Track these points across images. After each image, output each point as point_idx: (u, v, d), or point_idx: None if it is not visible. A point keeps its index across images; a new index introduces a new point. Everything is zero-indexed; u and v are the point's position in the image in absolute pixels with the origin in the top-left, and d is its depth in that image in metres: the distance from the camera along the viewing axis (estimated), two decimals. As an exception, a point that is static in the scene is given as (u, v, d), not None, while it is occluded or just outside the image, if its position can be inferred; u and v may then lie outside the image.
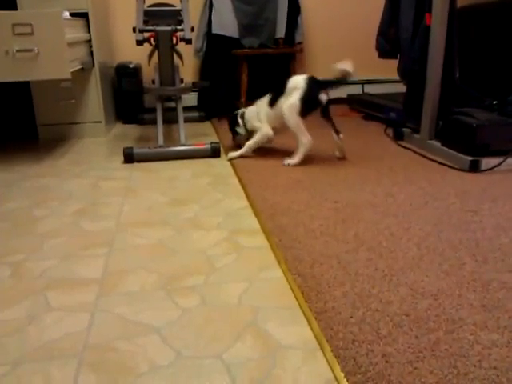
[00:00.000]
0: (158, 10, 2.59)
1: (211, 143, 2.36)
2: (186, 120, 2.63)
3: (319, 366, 0.91)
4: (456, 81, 2.42)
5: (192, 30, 2.49)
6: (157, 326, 1.04)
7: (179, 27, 2.48)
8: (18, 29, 2.15)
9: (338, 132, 2.24)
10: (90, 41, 2.77)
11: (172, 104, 2.98)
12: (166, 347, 0.97)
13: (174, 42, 2.54)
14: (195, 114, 3.25)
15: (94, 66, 2.79)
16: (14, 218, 1.68)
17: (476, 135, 2.06)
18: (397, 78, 2.78)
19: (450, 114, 2.23)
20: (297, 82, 2.16)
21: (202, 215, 1.66)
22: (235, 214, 1.66)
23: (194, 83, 2.83)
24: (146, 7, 2.58)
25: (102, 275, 1.27)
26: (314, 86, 2.14)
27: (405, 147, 2.41)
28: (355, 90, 3.64)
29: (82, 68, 2.60)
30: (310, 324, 1.03)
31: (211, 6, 3.15)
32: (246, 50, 3.09)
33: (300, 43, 3.37)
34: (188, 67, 3.33)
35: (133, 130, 3.08)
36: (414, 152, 2.32)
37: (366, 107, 3.20)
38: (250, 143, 2.31)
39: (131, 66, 3.20)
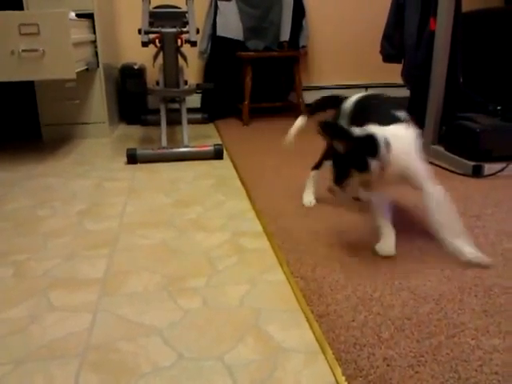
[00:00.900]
0: (163, 11, 2.60)
1: (214, 145, 2.37)
2: (189, 121, 2.64)
3: (320, 369, 0.91)
4: (460, 86, 2.42)
5: (197, 32, 2.50)
6: (159, 327, 1.04)
7: (184, 29, 2.49)
8: (24, 29, 2.16)
9: None
10: (95, 41, 2.78)
11: (175, 105, 2.99)
12: (167, 348, 0.97)
13: (179, 43, 2.55)
14: (198, 116, 3.26)
15: (98, 66, 2.80)
16: (18, 218, 1.68)
17: (479, 140, 2.06)
18: (400, 82, 2.79)
19: (453, 119, 2.23)
20: None
21: (205, 217, 1.66)
22: (238, 216, 1.66)
23: (198, 85, 2.84)
24: (151, 9, 2.59)
25: (105, 275, 1.27)
26: None
27: (408, 151, 2.41)
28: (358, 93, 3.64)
29: (87, 69, 2.61)
30: (311, 327, 1.03)
31: (216, 8, 3.16)
32: (250, 53, 3.10)
33: (304, 46, 3.38)
34: (192, 69, 3.34)
35: (136, 130, 3.08)
36: (417, 156, 2.32)
37: (370, 111, 3.19)
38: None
39: (135, 67, 3.21)
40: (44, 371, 0.92)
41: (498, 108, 2.23)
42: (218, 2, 3.15)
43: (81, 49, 2.47)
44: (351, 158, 1.19)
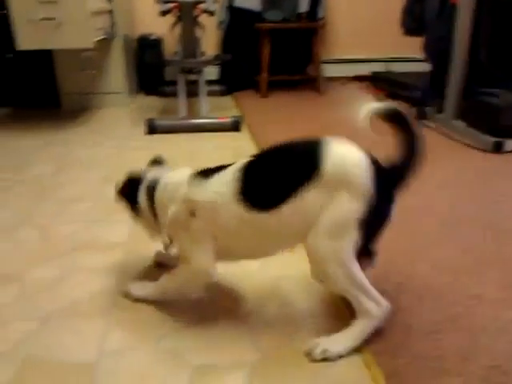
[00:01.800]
0: (182, -20, 2.57)
1: (233, 117, 2.37)
2: (208, 93, 2.63)
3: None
4: (482, 60, 2.38)
5: (215, 1, 2.46)
6: (181, 290, 1.07)
7: (202, -2, 2.46)
8: (42, -4, 2.16)
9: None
10: (111, 11, 2.77)
11: (193, 77, 2.98)
12: (188, 309, 1.00)
13: (197, 13, 2.52)
14: (216, 88, 3.24)
15: (115, 36, 2.79)
16: (40, 184, 1.71)
17: (500, 116, 2.03)
18: (422, 56, 2.75)
19: (474, 95, 2.20)
20: (345, 169, 0.86)
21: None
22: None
23: (216, 56, 2.82)
24: (169, -23, 2.56)
25: (127, 240, 1.30)
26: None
27: (428, 126, 2.39)
28: (379, 67, 3.60)
29: (104, 38, 2.60)
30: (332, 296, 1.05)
31: (235, -22, 3.12)
32: (267, 24, 3.06)
33: (322, 18, 3.33)
34: (211, 40, 3.31)
35: (154, 101, 3.08)
36: (437, 132, 2.30)
37: (390, 85, 3.16)
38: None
39: (152, 37, 3.20)
40: (71, 327, 0.95)
41: (521, 84, 2.19)
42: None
43: (98, 18, 2.46)
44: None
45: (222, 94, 3.25)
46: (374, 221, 0.85)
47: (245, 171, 0.91)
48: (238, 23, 3.20)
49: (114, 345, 0.90)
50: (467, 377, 0.81)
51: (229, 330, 0.94)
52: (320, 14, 3.32)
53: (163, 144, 2.16)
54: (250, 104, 2.94)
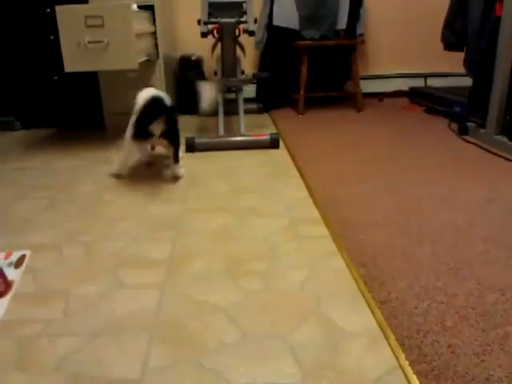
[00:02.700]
0: (221, 2, 2.63)
1: (270, 134, 2.39)
2: (245, 111, 2.67)
3: (383, 353, 0.92)
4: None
5: (255, 21, 2.51)
6: (223, 307, 1.08)
7: (242, 19, 2.51)
8: (89, 21, 2.25)
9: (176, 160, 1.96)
10: (155, 33, 2.85)
11: (231, 95, 3.03)
12: (232, 326, 1.01)
13: (237, 33, 2.58)
14: (253, 106, 3.28)
15: (158, 57, 2.88)
16: (85, 201, 1.77)
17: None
18: (461, 71, 2.71)
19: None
20: (139, 99, 1.89)
21: (263, 204, 1.68)
22: (295, 203, 1.68)
23: (254, 74, 2.86)
24: (210, -1, 2.63)
25: (170, 256, 1.32)
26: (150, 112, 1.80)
27: (470, 142, 2.34)
28: (417, 82, 3.56)
29: (148, 59, 2.69)
30: (373, 313, 1.04)
31: (273, -3, 3.17)
32: (306, 42, 3.09)
33: (361, 35, 3.33)
34: (248, 58, 3.36)
35: (193, 120, 3.15)
36: (480, 147, 2.25)
37: (429, 100, 3.12)
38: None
39: (193, 57, 3.27)
40: (115, 344, 0.97)
41: None
42: (275, -8, 3.15)
43: (142, 40, 2.55)
44: None
45: (259, 111, 3.28)
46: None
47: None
48: (275, 41, 3.24)
49: (157, 362, 0.92)
50: (517, 401, 0.78)
51: (271, 348, 0.94)
52: (359, 31, 3.32)
53: (202, 162, 2.20)
54: (287, 121, 2.96)
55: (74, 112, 3.05)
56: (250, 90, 3.41)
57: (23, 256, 1.35)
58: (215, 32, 2.61)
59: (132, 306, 1.10)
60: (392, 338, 0.94)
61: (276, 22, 3.17)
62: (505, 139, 2.18)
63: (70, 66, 2.30)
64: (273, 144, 2.38)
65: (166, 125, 1.82)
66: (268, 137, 2.38)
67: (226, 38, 2.53)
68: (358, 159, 2.12)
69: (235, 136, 2.43)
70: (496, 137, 2.23)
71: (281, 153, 2.31)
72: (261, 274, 1.22)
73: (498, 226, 1.42)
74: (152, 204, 1.72)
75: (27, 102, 3.03)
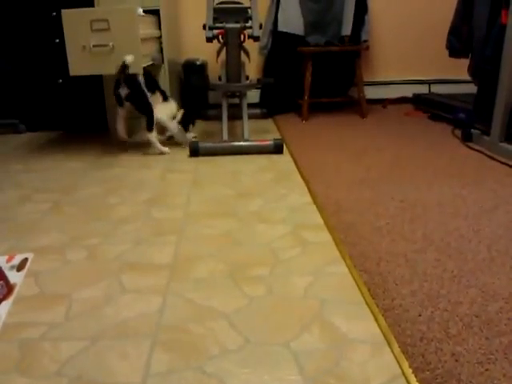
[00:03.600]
0: (226, 7, 2.64)
1: (274, 139, 2.39)
2: (249, 116, 2.67)
3: (386, 360, 0.91)
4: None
5: (260, 27, 2.52)
6: (226, 312, 1.08)
7: (247, 24, 2.52)
8: (95, 25, 2.26)
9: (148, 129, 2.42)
10: (160, 37, 2.86)
11: (235, 100, 3.03)
12: (234, 332, 1.00)
13: (242, 39, 2.58)
14: (257, 111, 3.29)
15: (163, 62, 2.88)
16: (88, 205, 1.77)
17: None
18: (465, 78, 2.71)
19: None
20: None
21: (267, 209, 1.68)
22: (299, 209, 1.68)
23: (258, 80, 2.87)
24: (215, 5, 2.64)
25: (173, 261, 1.32)
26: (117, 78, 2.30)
27: (474, 149, 2.34)
28: (421, 89, 3.56)
29: (152, 64, 2.69)
30: (376, 320, 1.03)
31: (278, 3, 3.18)
32: (311, 48, 3.09)
33: (366, 41, 3.33)
34: (252, 64, 3.37)
35: (197, 124, 3.14)
36: (484, 154, 2.25)
37: (433, 107, 3.12)
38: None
39: (198, 62, 3.28)
40: (118, 349, 0.97)
41: None
42: (280, -3, 3.16)
43: (147, 44, 2.56)
44: None
45: (263, 116, 3.28)
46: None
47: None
48: (280, 47, 3.25)
49: (159, 367, 0.92)
50: (521, 410, 0.78)
51: (274, 353, 0.94)
52: (364, 37, 3.33)
53: (206, 166, 2.20)
54: (291, 126, 2.96)
55: (78, 115, 3.06)
56: (254, 95, 3.42)
57: (25, 259, 1.36)
58: (220, 37, 2.61)
59: (134, 311, 1.10)
60: (395, 345, 0.94)
61: (281, 27, 3.18)
62: (509, 146, 2.17)
63: (74, 70, 2.31)
64: (276, 149, 2.38)
65: (128, 88, 2.30)
66: (272, 142, 2.38)
67: (231, 43, 2.54)
68: (362, 165, 2.12)
69: (239, 141, 2.43)
70: (500, 144, 2.22)
71: (284, 158, 2.31)
72: (264, 280, 1.21)
73: (502, 234, 1.41)
74: (155, 208, 1.72)
75: (32, 105, 3.04)
